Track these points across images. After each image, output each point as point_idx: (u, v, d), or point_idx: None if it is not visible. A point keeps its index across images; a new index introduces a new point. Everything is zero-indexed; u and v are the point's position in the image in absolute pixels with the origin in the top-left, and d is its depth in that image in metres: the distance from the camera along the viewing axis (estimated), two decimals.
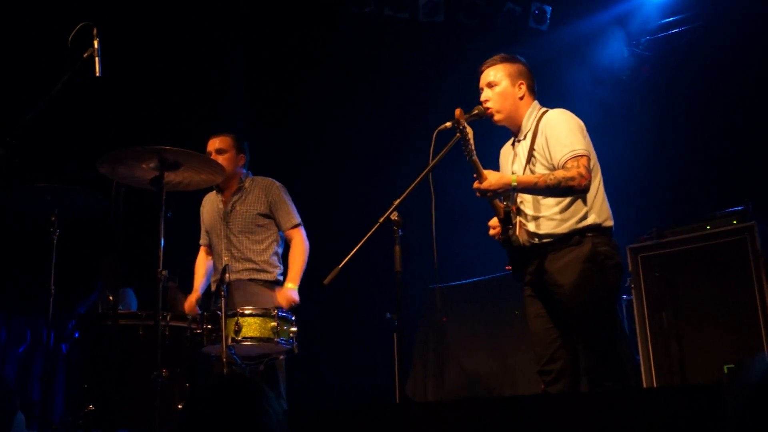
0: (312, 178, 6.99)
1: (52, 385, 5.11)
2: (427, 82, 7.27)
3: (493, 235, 3.77)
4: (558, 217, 3.59)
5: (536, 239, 3.63)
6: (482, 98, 3.76)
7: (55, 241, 4.29)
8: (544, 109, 3.77)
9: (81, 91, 4.13)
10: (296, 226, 4.81)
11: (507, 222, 3.63)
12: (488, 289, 5.88)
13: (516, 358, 5.53)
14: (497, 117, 3.75)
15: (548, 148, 3.58)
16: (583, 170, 3.46)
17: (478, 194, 3.51)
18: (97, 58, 3.79)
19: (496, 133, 3.94)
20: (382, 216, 3.38)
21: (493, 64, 3.79)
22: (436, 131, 3.54)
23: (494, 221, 3.77)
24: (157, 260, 3.84)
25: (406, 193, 3.40)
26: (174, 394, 4.08)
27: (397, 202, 3.39)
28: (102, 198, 4.38)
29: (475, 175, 3.50)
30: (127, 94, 6.47)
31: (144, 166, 3.98)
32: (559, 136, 3.56)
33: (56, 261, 4.28)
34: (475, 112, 3.69)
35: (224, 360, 3.91)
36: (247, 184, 4.88)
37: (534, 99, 3.80)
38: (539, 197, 3.63)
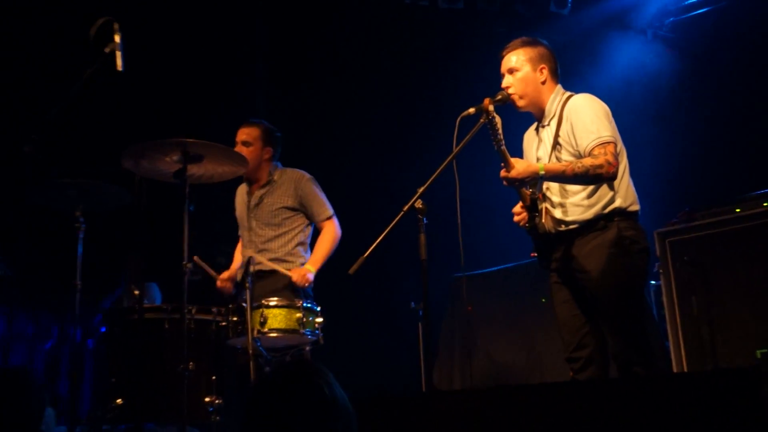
0: (335, 167, 6.99)
1: (79, 381, 5.15)
2: (448, 69, 7.24)
3: (518, 222, 3.75)
4: (584, 203, 3.57)
5: (562, 226, 3.61)
6: (503, 85, 3.75)
7: (80, 237, 4.33)
8: (568, 93, 3.74)
9: (103, 86, 4.15)
10: (329, 217, 4.85)
11: (533, 209, 3.62)
12: (514, 277, 5.86)
13: (543, 346, 5.50)
14: (520, 103, 3.74)
15: (574, 134, 3.56)
16: (610, 157, 3.44)
17: (505, 183, 3.50)
18: (118, 53, 3.82)
19: (516, 121, 3.92)
20: (406, 204, 3.37)
21: (513, 49, 3.77)
22: (460, 117, 3.54)
23: (518, 207, 3.74)
24: (181, 253, 3.86)
25: (430, 181, 3.39)
26: (201, 386, 4.12)
27: (421, 189, 3.37)
28: (126, 192, 4.41)
29: (502, 164, 3.48)
30: (148, 87, 6.49)
31: (167, 159, 4.00)
32: (585, 123, 3.54)
33: (82, 256, 4.31)
34: (499, 97, 3.67)
35: (250, 352, 3.93)
36: (276, 177, 4.87)
37: (557, 83, 3.77)
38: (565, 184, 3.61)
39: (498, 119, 3.42)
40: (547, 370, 5.41)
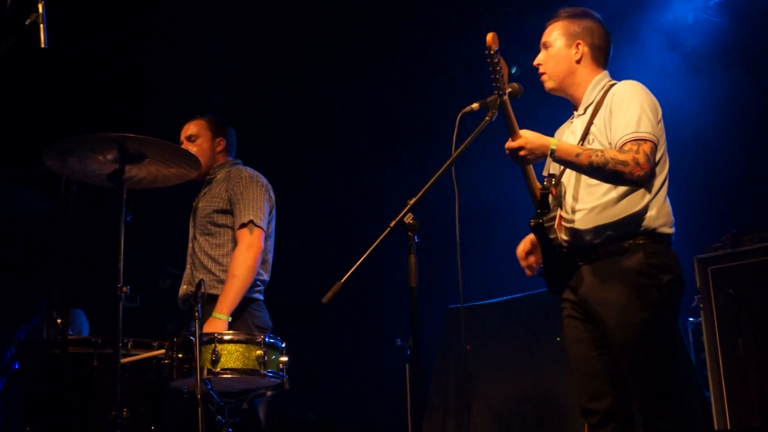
0: (307, 175, 7.01)
1: None
2: (445, 54, 7.27)
3: (525, 268, 3.78)
4: (607, 213, 3.56)
5: (577, 240, 3.61)
6: (535, 61, 3.83)
7: None
8: (613, 81, 3.76)
9: (22, 66, 4.14)
10: (245, 225, 4.58)
11: (543, 206, 3.60)
12: (522, 310, 5.88)
13: (557, 395, 5.51)
14: (548, 84, 3.80)
15: (610, 123, 3.58)
16: (641, 157, 3.43)
17: (508, 153, 3.49)
18: (42, 26, 3.79)
19: (535, 116, 3.95)
20: (393, 219, 3.36)
21: (554, 20, 3.84)
22: (461, 114, 3.54)
23: (526, 247, 3.77)
24: (115, 274, 3.84)
25: (423, 191, 3.38)
26: None
27: (412, 201, 3.36)
28: (49, 197, 4.38)
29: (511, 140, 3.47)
30: (79, 70, 6.49)
31: (100, 158, 3.97)
32: (625, 112, 3.55)
33: None
34: (509, 90, 3.64)
35: (199, 397, 3.90)
36: (219, 176, 4.85)
37: (602, 67, 3.81)
38: (587, 184, 3.60)
39: (504, 65, 3.45)
40: (562, 424, 5.42)
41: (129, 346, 4.15)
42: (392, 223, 3.34)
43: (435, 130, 3.75)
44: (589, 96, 3.75)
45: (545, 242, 3.66)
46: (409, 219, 3.35)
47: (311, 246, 4.89)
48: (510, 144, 3.47)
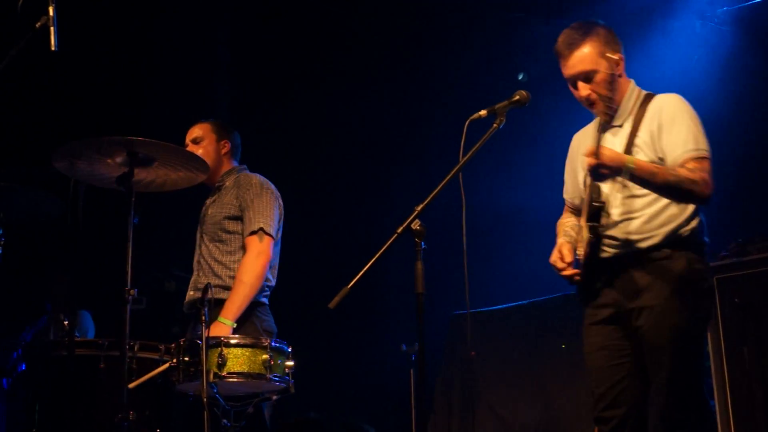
0: (313, 181, 7.01)
1: None
2: (452, 62, 7.28)
3: (562, 269, 3.70)
4: (653, 222, 3.58)
5: (620, 248, 3.61)
6: (582, 95, 3.69)
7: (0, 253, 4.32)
8: (645, 91, 3.76)
9: (33, 69, 4.15)
10: (255, 232, 4.58)
11: (595, 219, 3.57)
12: (527, 317, 5.88)
13: (561, 402, 5.52)
14: (604, 107, 3.61)
15: (660, 138, 3.58)
16: (707, 176, 3.48)
17: (589, 170, 3.41)
18: (52, 29, 3.79)
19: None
20: (400, 225, 3.37)
21: (577, 45, 3.67)
22: (468, 121, 3.54)
23: (563, 254, 3.71)
24: (123, 276, 3.86)
25: (431, 197, 3.39)
26: None
27: (419, 207, 3.37)
28: (57, 200, 4.40)
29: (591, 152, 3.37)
30: (89, 73, 6.50)
31: (109, 161, 3.99)
32: (680, 128, 3.57)
33: (1, 276, 4.31)
34: (516, 98, 3.65)
35: (205, 400, 3.91)
36: (228, 182, 4.87)
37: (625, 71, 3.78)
38: (631, 195, 3.60)
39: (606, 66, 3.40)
40: (565, 430, 5.42)
41: (135, 349, 4.15)
42: (399, 229, 3.35)
43: (443, 137, 3.75)
44: (626, 106, 3.73)
45: (593, 250, 3.64)
46: (416, 225, 3.36)
47: (318, 251, 4.90)
48: (592, 161, 3.38)
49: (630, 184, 3.56)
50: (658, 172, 3.45)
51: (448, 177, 3.45)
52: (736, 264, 5.03)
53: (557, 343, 5.56)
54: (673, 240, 3.56)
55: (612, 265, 3.64)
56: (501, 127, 3.50)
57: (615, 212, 3.65)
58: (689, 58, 7.07)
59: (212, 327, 4.38)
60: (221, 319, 4.44)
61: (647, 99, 3.70)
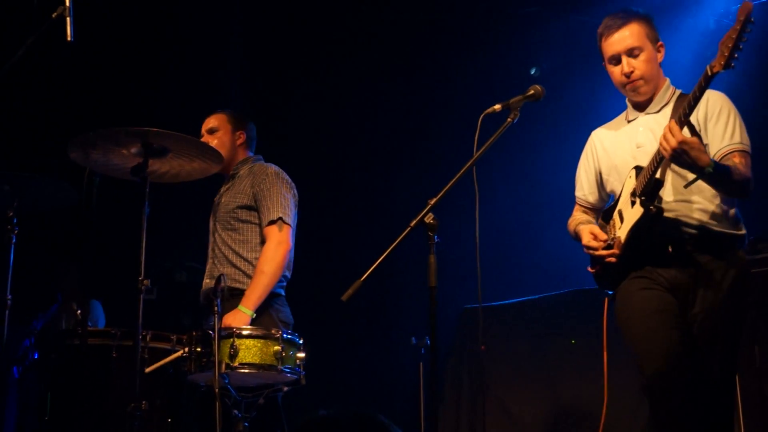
0: (326, 172, 7.01)
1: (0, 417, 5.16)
2: (466, 56, 7.27)
3: (597, 249, 3.70)
4: (708, 210, 3.59)
5: (675, 229, 3.59)
6: (625, 70, 3.73)
7: (13, 242, 4.34)
8: (679, 90, 3.79)
9: (48, 59, 4.17)
10: (272, 222, 4.59)
11: (649, 195, 3.53)
12: (538, 312, 5.88)
13: (571, 398, 5.52)
14: (645, 89, 3.74)
15: (706, 127, 3.61)
16: (750, 173, 3.51)
17: (672, 142, 3.35)
18: (68, 19, 3.80)
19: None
20: (414, 219, 3.39)
21: (624, 23, 3.76)
22: (483, 115, 3.55)
23: (595, 234, 3.72)
24: (136, 267, 3.88)
25: (444, 191, 3.40)
26: (153, 431, 4.11)
27: (433, 201, 3.38)
28: (71, 190, 4.42)
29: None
30: (104, 64, 6.51)
31: (124, 151, 4.01)
32: (728, 120, 3.61)
33: (14, 264, 4.33)
34: (531, 92, 3.65)
35: (216, 391, 3.93)
36: (242, 171, 4.88)
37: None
38: (684, 179, 3.57)
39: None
40: (576, 427, 5.42)
41: (147, 339, 4.18)
42: (413, 223, 3.36)
43: (457, 131, 3.76)
44: (662, 97, 3.77)
45: (646, 229, 3.58)
46: (429, 219, 3.37)
47: (330, 243, 4.90)
48: (680, 136, 3.35)
49: (684, 171, 3.53)
50: (732, 171, 3.47)
51: (462, 171, 3.46)
52: (747, 262, 5.01)
53: (567, 338, 5.57)
54: (733, 235, 3.60)
55: (663, 246, 3.60)
56: (515, 121, 3.51)
57: (668, 193, 3.63)
58: (703, 56, 7.05)
59: (231, 315, 4.42)
60: (241, 307, 4.45)
61: (683, 96, 3.71)
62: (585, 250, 3.79)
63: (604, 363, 3.82)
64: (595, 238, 3.72)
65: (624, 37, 3.74)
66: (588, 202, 4.03)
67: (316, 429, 2.15)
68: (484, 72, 6.65)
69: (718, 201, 3.60)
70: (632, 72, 3.72)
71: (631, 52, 3.73)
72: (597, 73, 3.99)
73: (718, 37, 7.03)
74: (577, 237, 3.92)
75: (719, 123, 3.61)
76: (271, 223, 4.60)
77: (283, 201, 4.67)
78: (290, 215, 4.67)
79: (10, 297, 4.31)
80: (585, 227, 3.81)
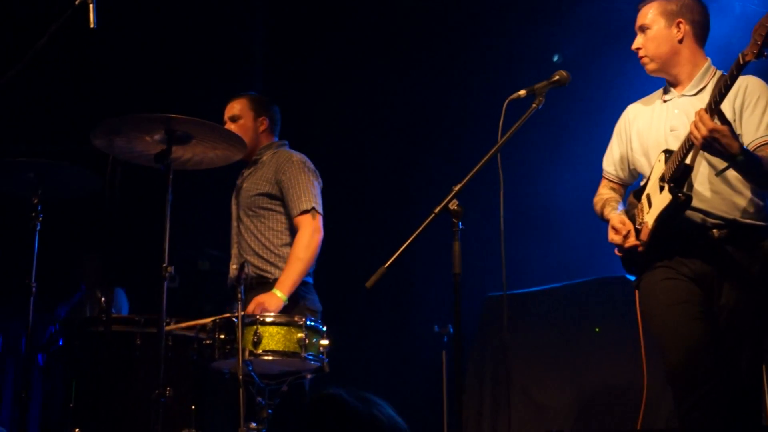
0: (350, 158, 7.00)
1: (26, 404, 5.20)
2: (491, 42, 7.23)
3: (626, 236, 3.66)
4: (738, 201, 3.56)
5: (703, 222, 3.56)
6: (633, 46, 3.81)
7: (37, 229, 4.36)
8: (720, 71, 3.73)
9: (72, 45, 4.17)
10: (306, 212, 4.60)
11: (678, 182, 3.49)
12: (562, 300, 5.85)
13: (595, 387, 5.50)
14: (650, 66, 3.79)
15: (742, 115, 3.57)
16: None
17: (704, 130, 3.32)
18: (91, 6, 3.81)
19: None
20: (438, 205, 3.37)
21: (646, 3, 3.80)
22: (507, 101, 3.54)
23: (622, 221, 3.70)
24: (160, 254, 3.89)
25: (468, 177, 3.38)
26: (177, 418, 4.12)
27: (457, 188, 3.36)
28: (95, 177, 4.43)
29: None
30: (127, 50, 6.53)
31: (147, 138, 4.02)
32: (764, 112, 3.56)
33: (38, 252, 4.35)
34: (556, 77, 3.63)
35: (240, 378, 3.94)
36: (265, 157, 4.86)
37: (702, 43, 3.78)
38: (716, 166, 3.53)
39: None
40: (601, 415, 5.40)
41: (172, 326, 4.21)
42: (437, 209, 3.35)
43: (481, 117, 3.73)
44: (701, 78, 3.72)
45: (674, 217, 3.54)
46: (453, 205, 3.35)
47: (354, 230, 4.90)
48: (710, 124, 3.33)
49: (714, 159, 3.51)
50: (763, 161, 3.44)
51: (486, 157, 3.45)
52: None
53: (591, 326, 5.54)
54: (758, 220, 3.56)
55: (691, 235, 3.57)
56: (540, 107, 3.50)
57: (698, 182, 3.59)
58: (728, 40, 6.98)
59: (267, 296, 4.43)
60: (276, 291, 4.45)
61: (724, 77, 3.66)
62: (610, 240, 3.78)
63: (642, 348, 3.76)
64: (618, 232, 3.68)
65: (640, 14, 3.81)
66: (618, 177, 4.00)
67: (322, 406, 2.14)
68: (509, 58, 6.61)
69: (748, 193, 3.56)
70: (639, 49, 3.79)
71: (642, 29, 3.80)
72: (623, 59, 3.95)
73: (744, 20, 7.00)
74: (603, 218, 3.90)
75: (755, 112, 3.56)
76: (305, 212, 4.61)
77: (312, 190, 4.69)
78: (320, 204, 4.69)
79: (34, 284, 4.33)
80: (615, 216, 3.77)
